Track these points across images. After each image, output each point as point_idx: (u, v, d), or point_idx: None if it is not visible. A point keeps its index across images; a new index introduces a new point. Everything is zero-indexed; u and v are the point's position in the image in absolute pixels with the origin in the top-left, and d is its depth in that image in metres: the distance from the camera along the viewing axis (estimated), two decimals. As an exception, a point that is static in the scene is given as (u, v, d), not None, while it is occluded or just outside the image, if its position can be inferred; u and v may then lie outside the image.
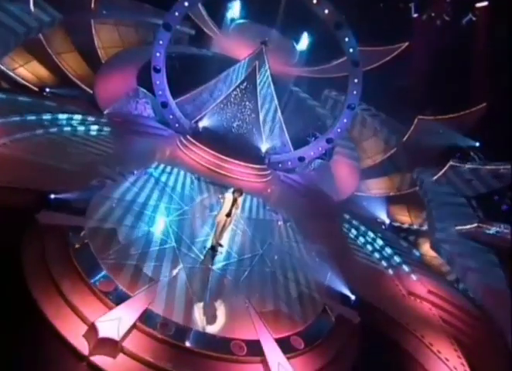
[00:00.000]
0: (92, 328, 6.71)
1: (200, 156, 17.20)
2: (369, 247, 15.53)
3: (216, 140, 18.25)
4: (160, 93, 17.22)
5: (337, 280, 11.27)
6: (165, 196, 12.18)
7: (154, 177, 13.20)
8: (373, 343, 9.38)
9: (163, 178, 13.41)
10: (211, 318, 8.16)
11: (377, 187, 21.01)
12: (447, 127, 17.92)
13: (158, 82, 16.99)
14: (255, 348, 7.83)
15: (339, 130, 17.20)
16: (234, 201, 9.98)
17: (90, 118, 15.64)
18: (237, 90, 18.31)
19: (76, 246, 8.26)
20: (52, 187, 9.63)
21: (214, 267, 9.75)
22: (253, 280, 9.86)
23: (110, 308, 7.22)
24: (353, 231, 16.55)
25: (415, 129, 18.63)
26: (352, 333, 9.61)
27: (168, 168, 14.46)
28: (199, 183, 14.53)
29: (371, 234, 16.34)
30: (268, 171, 18.67)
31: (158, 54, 16.84)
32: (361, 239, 16.08)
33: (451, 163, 16.64)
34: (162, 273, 8.64)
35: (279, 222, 14.11)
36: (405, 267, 14.28)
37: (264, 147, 19.31)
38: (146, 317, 7.37)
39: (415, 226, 19.51)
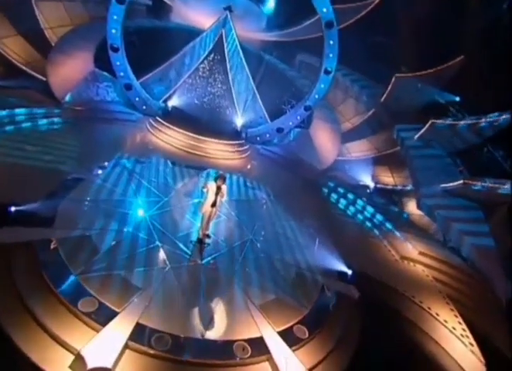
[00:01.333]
0: (79, 358, 5.89)
1: (173, 138, 16.04)
2: (358, 215, 15.16)
3: (189, 119, 17.05)
4: (122, 74, 15.61)
5: (331, 255, 10.74)
6: (142, 189, 11.11)
7: (126, 169, 12.03)
8: (374, 316, 9.11)
9: (137, 169, 12.26)
10: (209, 322, 7.44)
11: (357, 150, 20.33)
12: (425, 83, 17.21)
13: (118, 62, 15.36)
14: (259, 347, 7.23)
15: (316, 96, 16.20)
16: (218, 189, 9.12)
17: (47, 110, 14.06)
18: (205, 62, 16.89)
19: (48, 262, 7.26)
20: (13, 197, 8.44)
21: (204, 262, 9.00)
22: (247, 271, 9.16)
23: (97, 330, 6.40)
24: (341, 200, 16.11)
25: (393, 87, 17.80)
26: (353, 310, 9.24)
27: (141, 157, 13.26)
28: (175, 169, 13.48)
29: (359, 201, 15.94)
30: (246, 146, 17.71)
31: (113, 31, 15.11)
32: (349, 207, 15.67)
33: (432, 120, 16.05)
34: (149, 279, 7.79)
35: (264, 201, 13.39)
36: (394, 231, 14.05)
37: (239, 121, 18.20)
38: (138, 333, 6.59)
39: (399, 187, 19.21)
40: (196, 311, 7.58)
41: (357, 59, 17.33)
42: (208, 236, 9.63)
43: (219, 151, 16.69)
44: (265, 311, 8.04)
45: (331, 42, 15.24)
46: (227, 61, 16.68)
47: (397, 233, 13.92)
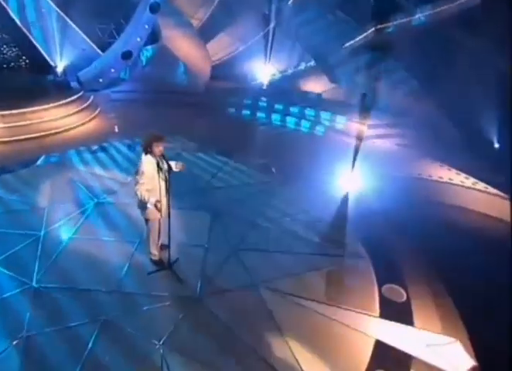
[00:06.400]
0: None
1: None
2: (291, 120, 12.45)
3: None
4: None
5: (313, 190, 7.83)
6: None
7: None
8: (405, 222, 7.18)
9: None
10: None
11: (220, 48, 16.64)
12: None
13: None
14: (391, 356, 4.39)
15: (161, -18, 11.19)
16: (162, 158, 4.85)
17: None
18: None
19: None
20: None
21: (199, 292, 5.00)
22: (268, 267, 5.54)
23: None
24: (256, 112, 12.96)
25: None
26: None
27: None
28: (12, 176, 7.86)
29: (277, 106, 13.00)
30: (90, 99, 12.31)
31: None
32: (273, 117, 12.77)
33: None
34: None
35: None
36: (336, 118, 12.13)
37: (61, 66, 12.29)
38: None
39: (290, 70, 16.69)
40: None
41: None
42: (166, 246, 5.42)
43: (55, 120, 11.04)
44: (344, 300, 5.01)
45: None
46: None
47: (339, 118, 12.07)
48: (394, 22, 12.35)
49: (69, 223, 6.37)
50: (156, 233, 5.25)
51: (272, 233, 6.43)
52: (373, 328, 4.70)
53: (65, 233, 6.11)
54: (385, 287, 5.42)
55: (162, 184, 4.93)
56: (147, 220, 5.20)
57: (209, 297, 4.95)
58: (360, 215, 7.08)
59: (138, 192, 4.85)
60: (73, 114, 11.55)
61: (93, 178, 8.00)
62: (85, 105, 11.98)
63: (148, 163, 4.84)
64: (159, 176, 4.88)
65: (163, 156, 4.84)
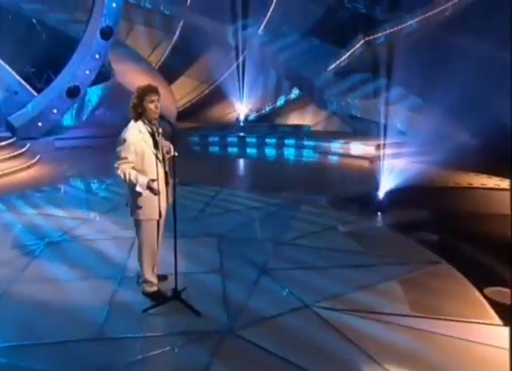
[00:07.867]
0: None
1: None
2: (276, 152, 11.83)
3: None
4: None
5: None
6: None
7: None
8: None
9: None
10: None
11: (183, 93, 15.94)
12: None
13: None
14: None
15: (114, 4, 9.74)
16: (160, 119, 3.66)
17: None
18: None
19: None
20: None
21: (242, 330, 3.40)
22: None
23: None
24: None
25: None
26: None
27: None
28: None
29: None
30: (26, 145, 10.67)
31: None
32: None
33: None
34: None
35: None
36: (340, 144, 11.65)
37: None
38: None
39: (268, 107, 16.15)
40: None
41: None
42: (165, 277, 3.92)
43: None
44: (444, 311, 3.85)
45: None
46: None
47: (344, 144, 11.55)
48: (384, 33, 12.30)
49: (8, 267, 4.66)
50: (154, 244, 3.60)
51: (304, 249, 5.23)
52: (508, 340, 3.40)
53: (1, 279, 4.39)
54: (488, 290, 4.37)
55: (160, 167, 3.48)
56: (138, 223, 3.62)
57: (246, 327, 3.45)
58: (408, 224, 6.23)
59: (119, 171, 3.33)
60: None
61: (39, 218, 6.34)
62: (17, 152, 10.18)
63: (135, 129, 3.42)
64: (155, 154, 3.48)
65: (163, 119, 3.51)
